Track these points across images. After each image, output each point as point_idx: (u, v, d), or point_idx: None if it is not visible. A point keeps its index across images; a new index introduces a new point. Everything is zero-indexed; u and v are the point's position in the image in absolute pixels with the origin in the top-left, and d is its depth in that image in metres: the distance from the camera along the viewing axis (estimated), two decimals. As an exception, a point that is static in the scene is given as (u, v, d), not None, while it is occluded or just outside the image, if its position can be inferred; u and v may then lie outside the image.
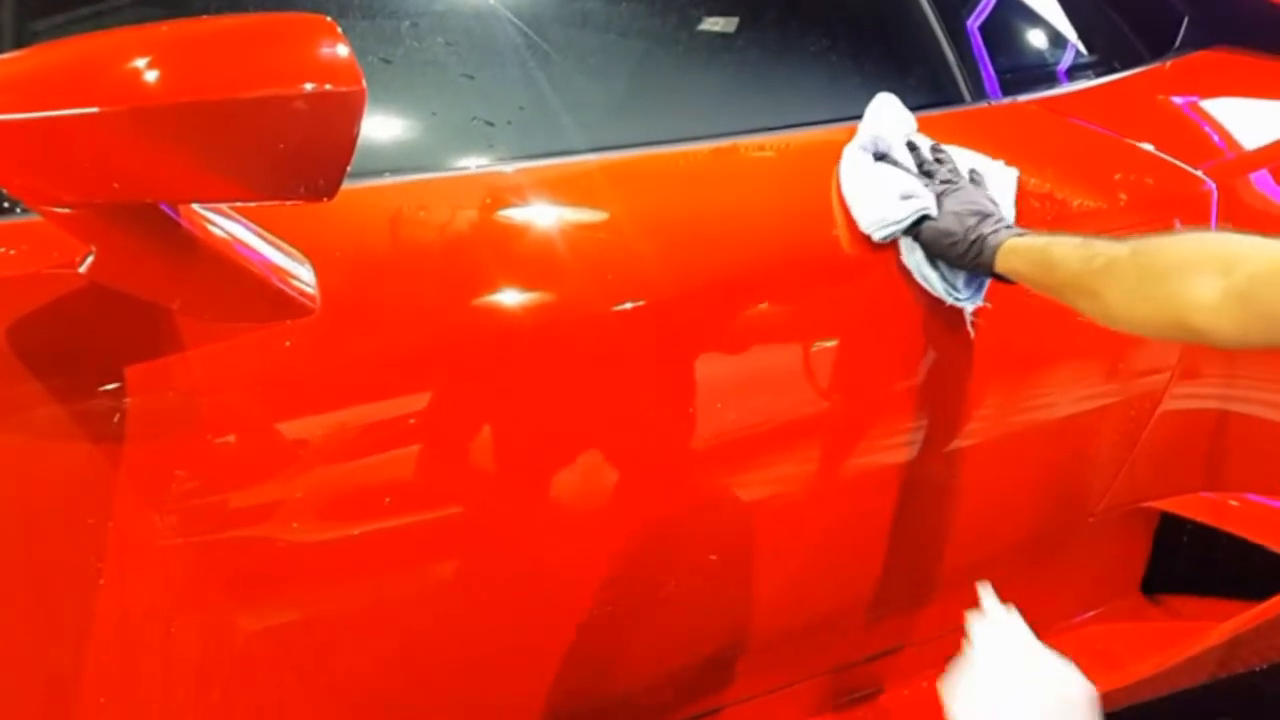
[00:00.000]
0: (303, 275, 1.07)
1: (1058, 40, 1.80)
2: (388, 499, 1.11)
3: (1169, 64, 1.82)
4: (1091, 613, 1.71)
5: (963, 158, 1.42)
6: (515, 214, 1.22)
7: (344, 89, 0.84)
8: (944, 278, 1.34)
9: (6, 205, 1.04)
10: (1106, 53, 1.81)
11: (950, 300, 1.35)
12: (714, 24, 1.52)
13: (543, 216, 1.23)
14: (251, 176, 0.86)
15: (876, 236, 1.33)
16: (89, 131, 0.82)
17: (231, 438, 1.05)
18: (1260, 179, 1.66)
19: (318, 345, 1.07)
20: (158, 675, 1.07)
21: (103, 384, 1.00)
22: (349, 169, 0.87)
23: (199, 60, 0.83)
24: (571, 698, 1.29)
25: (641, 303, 1.21)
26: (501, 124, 1.29)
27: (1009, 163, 1.44)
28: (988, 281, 1.36)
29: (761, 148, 1.40)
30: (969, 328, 1.39)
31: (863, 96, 1.43)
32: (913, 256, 1.34)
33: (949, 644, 1.44)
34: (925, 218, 1.32)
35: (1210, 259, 1.03)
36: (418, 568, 1.16)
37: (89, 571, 1.01)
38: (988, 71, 1.63)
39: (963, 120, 1.57)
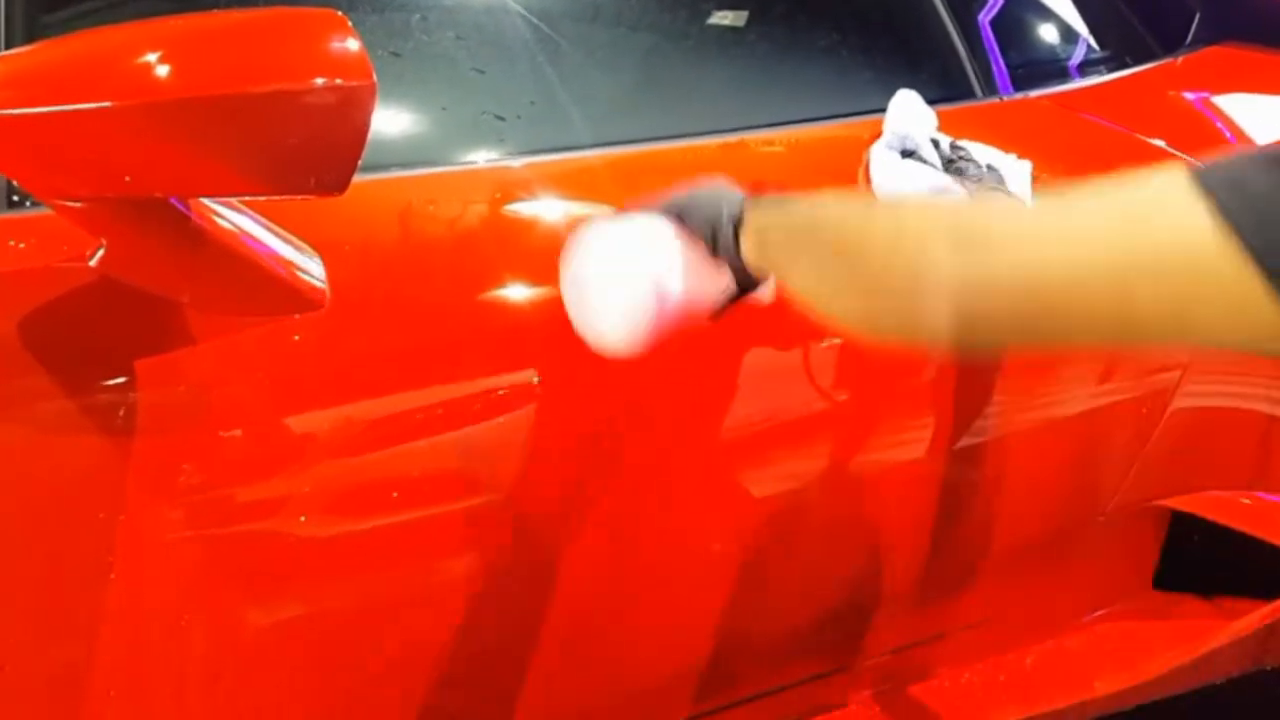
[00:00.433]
0: (312, 269, 1.07)
1: (1069, 35, 1.80)
2: (395, 494, 1.11)
3: (1180, 60, 1.81)
4: (1102, 611, 1.71)
5: (977, 152, 1.42)
6: (525, 208, 1.22)
7: (355, 83, 0.84)
8: None
9: (17, 199, 1.04)
10: (1118, 48, 1.80)
11: None
12: (723, 18, 1.52)
13: (552, 211, 1.23)
14: (262, 171, 0.86)
15: None
16: (100, 126, 0.82)
17: (241, 432, 1.05)
18: (1273, 175, 1.65)
19: (327, 339, 1.07)
20: (167, 670, 1.07)
21: (113, 378, 1.00)
22: (359, 163, 0.87)
23: (210, 55, 0.83)
24: (587, 694, 1.29)
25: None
26: (511, 118, 1.29)
27: (1021, 156, 1.43)
28: None
29: (771, 143, 1.39)
30: None
31: (873, 91, 1.42)
32: None
33: (964, 640, 1.44)
34: None
35: None
36: (426, 563, 1.16)
37: (98, 565, 1.01)
38: (999, 66, 1.63)
39: (974, 115, 1.56)
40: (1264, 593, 1.66)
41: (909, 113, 1.41)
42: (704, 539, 1.30)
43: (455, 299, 1.14)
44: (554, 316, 1.17)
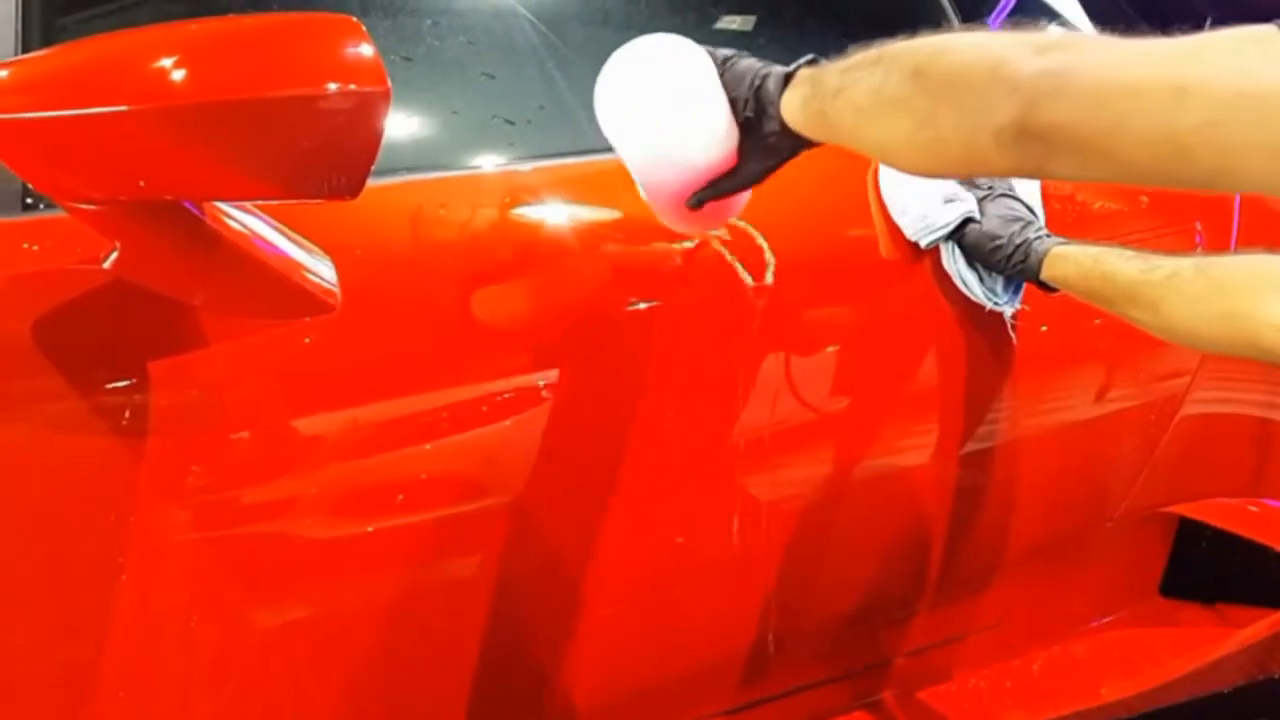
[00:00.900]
0: (324, 272, 1.07)
1: (1079, 41, 1.80)
2: (403, 496, 1.12)
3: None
4: (1110, 617, 1.70)
5: None
6: (534, 213, 1.23)
7: (369, 89, 0.85)
8: (982, 281, 1.34)
9: (31, 201, 1.04)
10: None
11: (990, 304, 1.35)
12: (731, 22, 1.52)
13: (561, 215, 1.23)
14: (276, 175, 0.87)
15: (924, 242, 1.33)
16: (116, 129, 0.83)
17: (251, 434, 1.06)
18: (1282, 182, 1.65)
19: (338, 342, 1.08)
20: (175, 670, 1.07)
21: (125, 379, 1.00)
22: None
23: (225, 60, 0.84)
24: (592, 694, 1.29)
25: (658, 303, 1.21)
26: (521, 123, 1.29)
27: None
28: (1024, 286, 1.37)
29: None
30: (1010, 331, 1.40)
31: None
32: (953, 261, 1.34)
33: (971, 646, 1.44)
34: (968, 221, 1.32)
35: None
36: (435, 565, 1.16)
37: (108, 566, 1.02)
38: (1008, 72, 1.62)
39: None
40: (1271, 600, 1.66)
41: None
42: (710, 543, 1.30)
43: (465, 302, 1.15)
44: (563, 319, 1.17)
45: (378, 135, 0.87)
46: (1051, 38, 0.78)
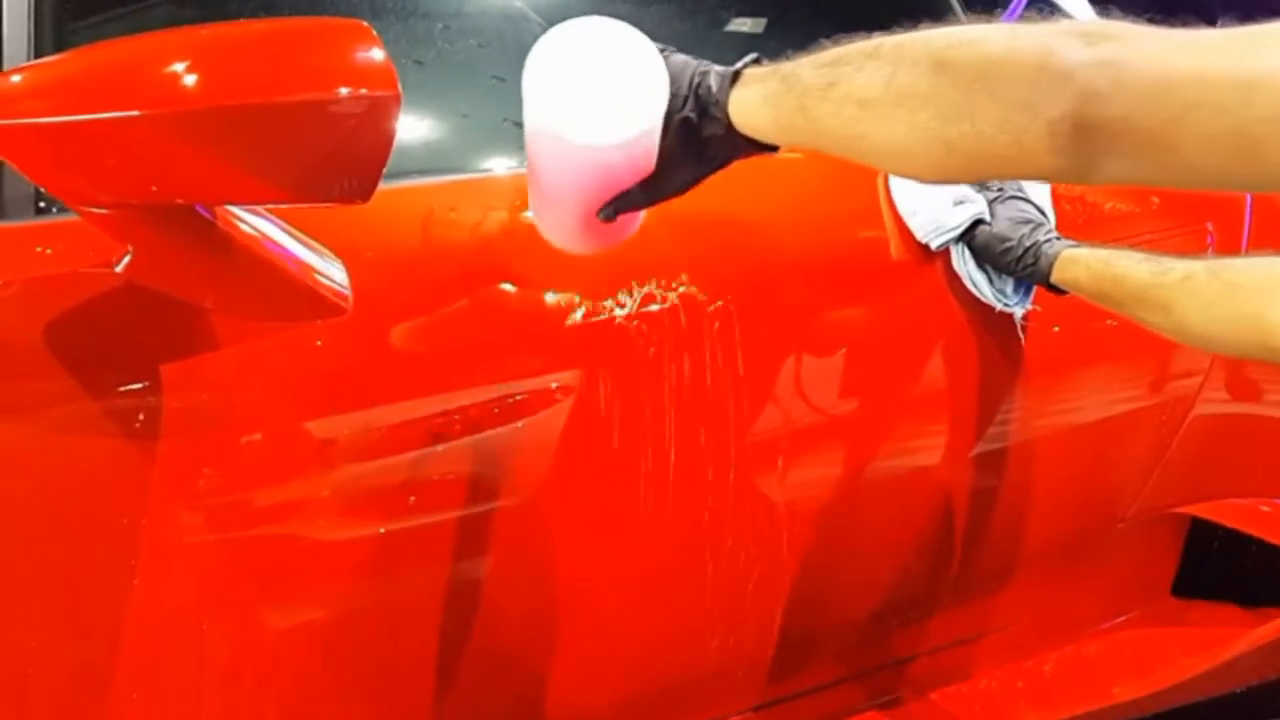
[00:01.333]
0: (335, 275, 1.07)
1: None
2: (413, 498, 1.12)
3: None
4: (1122, 617, 1.70)
5: None
6: (546, 215, 1.23)
7: (380, 93, 0.85)
8: (992, 283, 1.34)
9: (44, 205, 1.05)
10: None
11: (1000, 306, 1.35)
12: (742, 24, 1.52)
13: (573, 218, 1.23)
14: (288, 179, 0.87)
15: (935, 244, 1.33)
16: (128, 134, 0.83)
17: (263, 436, 1.06)
18: (1294, 182, 1.65)
19: (349, 344, 1.08)
20: (187, 671, 1.08)
21: (137, 382, 1.01)
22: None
23: (237, 64, 0.84)
24: (606, 695, 1.29)
25: (671, 305, 1.21)
26: (532, 126, 1.29)
27: None
28: (1034, 288, 1.36)
29: (790, 149, 1.39)
30: (1019, 333, 1.39)
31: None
32: (963, 263, 1.34)
33: (984, 646, 1.44)
34: (978, 223, 1.32)
35: None
36: (446, 566, 1.16)
37: (121, 568, 1.02)
38: (1019, 73, 1.62)
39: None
40: (1284, 601, 1.66)
41: None
42: (720, 543, 1.30)
43: (476, 305, 1.15)
44: (573, 322, 1.18)
45: (389, 139, 0.87)
46: (1097, 27, 0.72)
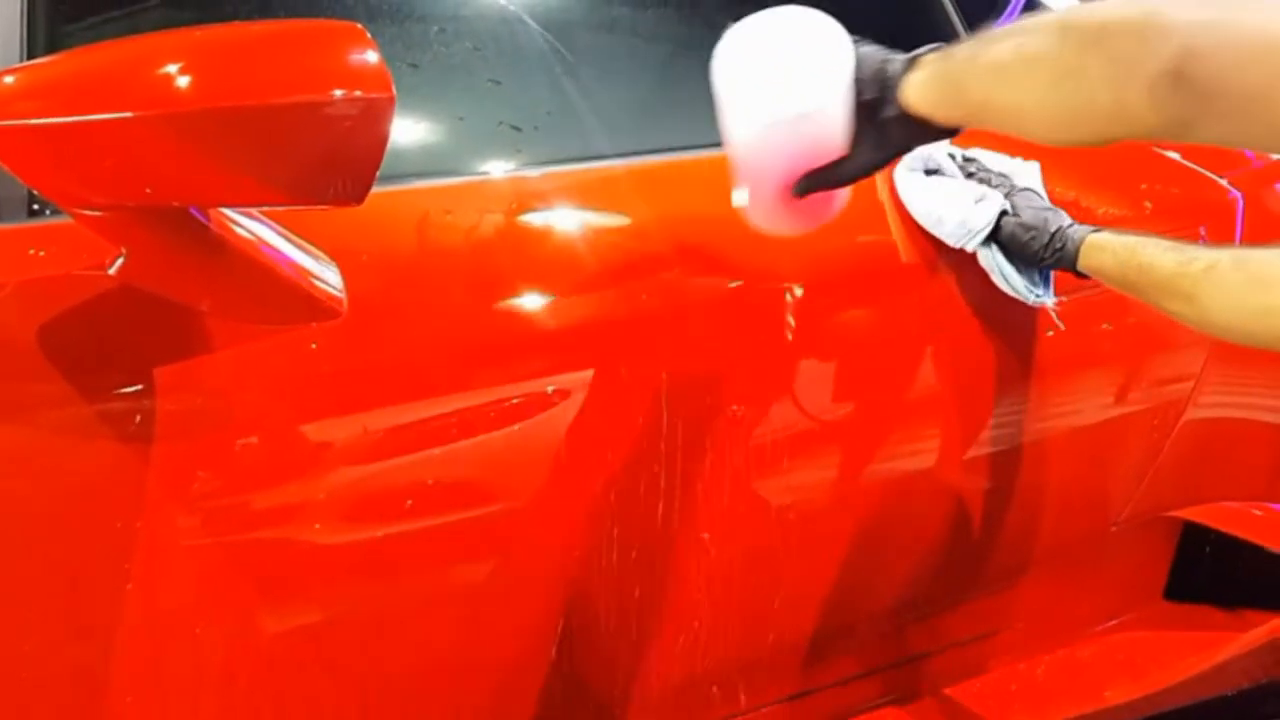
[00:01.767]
0: (329, 278, 1.07)
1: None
2: (410, 501, 1.12)
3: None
4: (1114, 621, 1.70)
5: (988, 160, 1.42)
6: (541, 219, 1.23)
7: (374, 95, 0.85)
8: (1022, 274, 1.34)
9: (37, 207, 1.05)
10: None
11: (1032, 299, 1.35)
12: (738, 29, 1.52)
13: (568, 221, 1.24)
14: (282, 181, 0.87)
15: (970, 246, 1.33)
16: (122, 136, 0.83)
17: (258, 439, 1.06)
18: (1286, 188, 1.66)
19: (344, 347, 1.08)
20: (184, 674, 1.08)
21: (131, 384, 1.01)
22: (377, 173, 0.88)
23: (231, 66, 0.84)
24: (611, 696, 1.29)
25: (666, 309, 1.21)
26: (528, 129, 1.30)
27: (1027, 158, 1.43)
28: (1054, 277, 1.37)
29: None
30: (1057, 321, 1.40)
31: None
32: (993, 258, 1.34)
33: (976, 650, 1.44)
34: (1002, 214, 1.32)
35: None
36: (442, 570, 1.16)
37: (116, 570, 1.02)
38: (1013, 77, 1.62)
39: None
40: (1276, 604, 1.66)
41: None
42: (719, 544, 1.30)
43: (471, 308, 1.15)
44: (570, 325, 1.18)
45: (383, 141, 0.87)
46: None
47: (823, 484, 1.35)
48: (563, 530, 1.20)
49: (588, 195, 1.26)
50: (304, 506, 1.08)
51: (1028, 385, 1.45)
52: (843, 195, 1.09)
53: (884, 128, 1.00)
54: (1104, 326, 1.47)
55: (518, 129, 1.29)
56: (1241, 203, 1.59)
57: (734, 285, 1.26)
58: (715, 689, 1.39)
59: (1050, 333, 1.44)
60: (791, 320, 1.30)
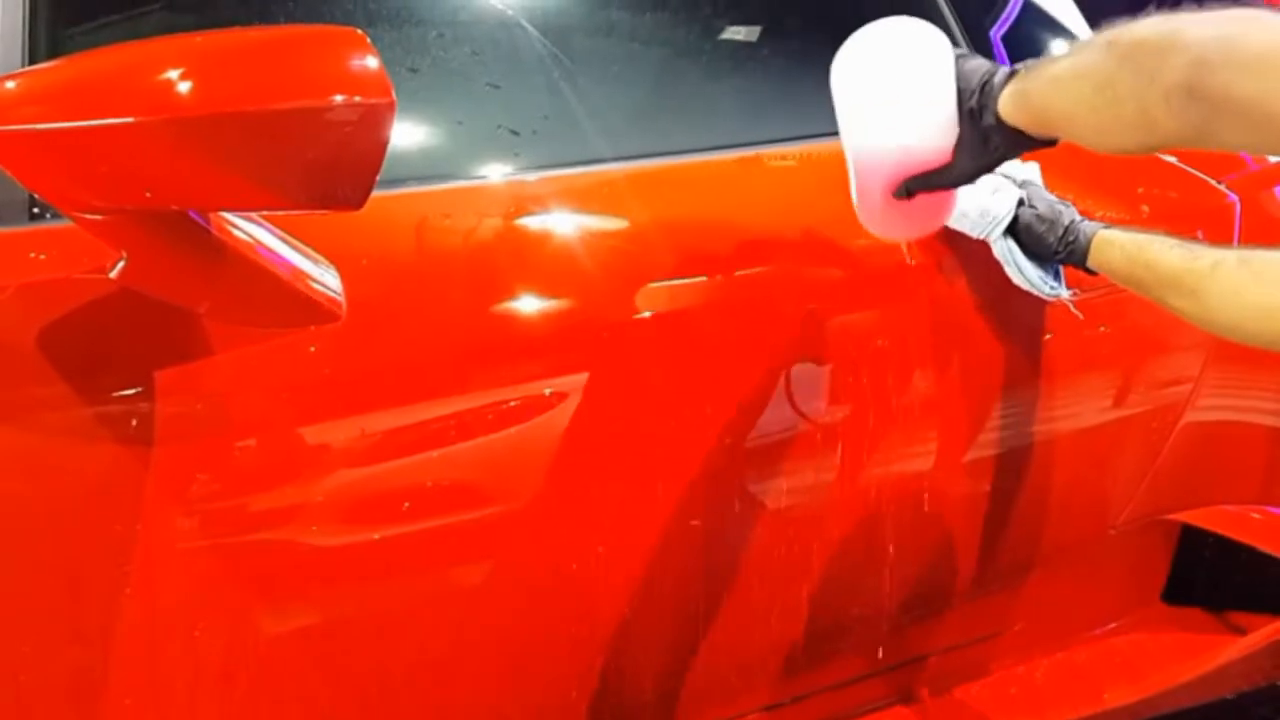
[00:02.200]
0: (329, 281, 1.08)
1: (1081, 50, 1.80)
2: (408, 504, 1.12)
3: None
4: (1113, 624, 1.70)
5: None
6: (539, 222, 1.23)
7: (374, 100, 0.85)
8: (1037, 266, 1.35)
9: (38, 211, 1.05)
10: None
11: (1047, 292, 1.35)
12: (736, 33, 1.53)
13: (567, 225, 1.24)
14: (282, 186, 0.88)
15: (992, 236, 1.33)
16: (123, 141, 0.83)
17: (257, 441, 1.06)
18: (1284, 192, 1.66)
19: (343, 350, 1.08)
20: (182, 676, 1.08)
21: (131, 387, 1.01)
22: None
23: (232, 71, 0.85)
24: (614, 698, 1.29)
25: (664, 312, 1.21)
26: (526, 133, 1.30)
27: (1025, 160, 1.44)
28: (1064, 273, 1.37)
29: (784, 157, 1.40)
30: (1074, 312, 1.41)
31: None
32: (1008, 251, 1.34)
33: (974, 653, 1.44)
34: (1019, 203, 1.33)
35: None
36: (440, 572, 1.17)
37: (115, 572, 1.02)
38: (1010, 81, 1.63)
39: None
40: (1274, 607, 1.66)
41: None
42: (719, 545, 1.31)
43: (470, 312, 1.15)
44: (568, 329, 1.18)
45: (382, 146, 0.87)
46: (1231, 11, 0.82)
47: (821, 486, 1.35)
48: (561, 532, 1.21)
49: (585, 199, 1.27)
50: (303, 509, 1.09)
51: (1026, 388, 1.46)
52: (952, 201, 1.18)
53: (987, 135, 1.08)
54: (1102, 329, 1.47)
55: (516, 133, 1.29)
56: (1239, 206, 1.59)
57: (734, 288, 1.26)
58: (715, 690, 1.40)
59: (1049, 336, 1.45)
60: (791, 322, 1.30)
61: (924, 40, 1.12)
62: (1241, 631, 1.64)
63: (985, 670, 1.60)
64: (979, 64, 1.10)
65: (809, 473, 1.34)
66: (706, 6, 1.50)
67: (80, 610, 1.03)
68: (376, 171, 0.88)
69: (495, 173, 1.27)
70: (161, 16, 1.29)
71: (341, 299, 1.07)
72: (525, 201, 1.24)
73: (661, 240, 1.26)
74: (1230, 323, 1.12)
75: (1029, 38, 1.75)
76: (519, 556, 1.19)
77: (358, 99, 0.85)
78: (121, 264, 0.97)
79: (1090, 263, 1.29)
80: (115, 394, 1.00)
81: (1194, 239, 1.20)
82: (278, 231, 1.06)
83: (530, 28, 1.36)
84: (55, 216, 1.04)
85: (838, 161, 1.22)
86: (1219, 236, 1.58)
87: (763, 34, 1.53)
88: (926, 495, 1.43)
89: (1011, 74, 1.06)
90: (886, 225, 1.20)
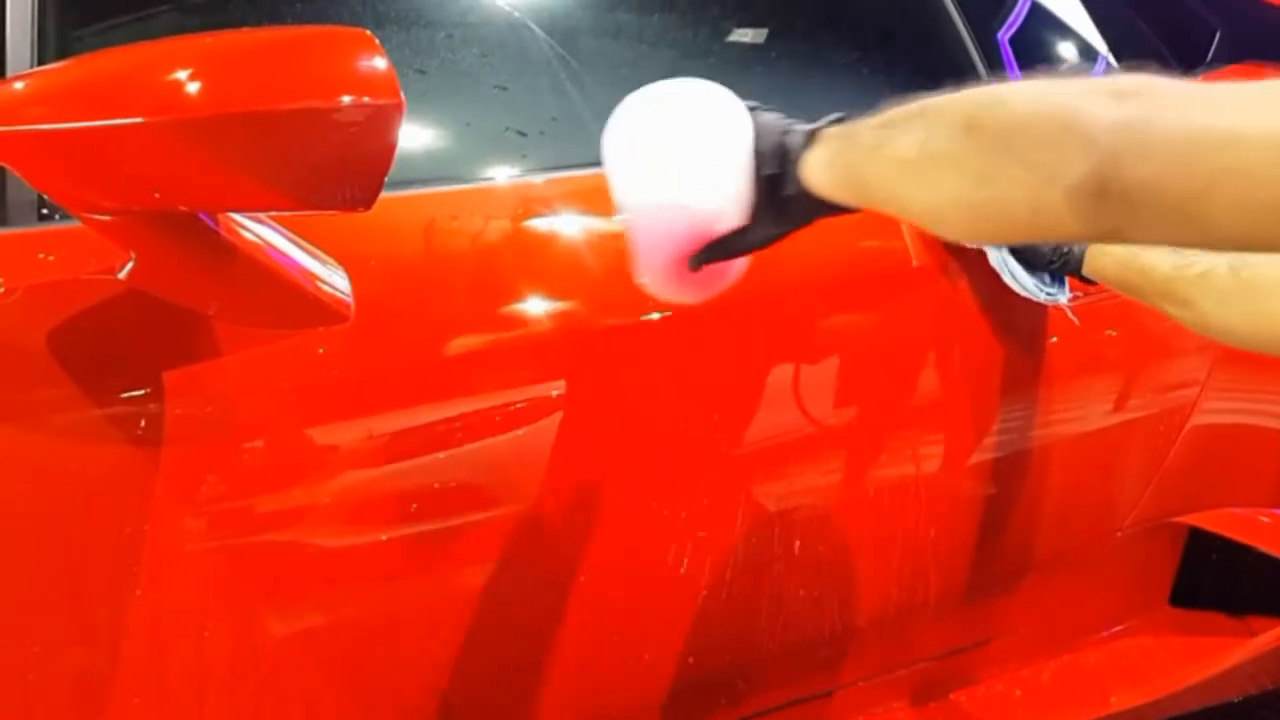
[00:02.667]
0: (337, 282, 1.08)
1: (1088, 53, 1.80)
2: (416, 505, 1.12)
3: (1200, 78, 1.81)
4: (1119, 627, 1.70)
5: None
6: (546, 224, 1.23)
7: (383, 102, 0.85)
8: (1031, 273, 1.35)
9: (46, 212, 1.05)
10: (1137, 66, 1.80)
11: (1042, 297, 1.36)
12: (744, 35, 1.53)
13: (574, 227, 1.24)
14: (290, 187, 0.88)
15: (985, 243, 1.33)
16: (131, 141, 0.83)
17: (265, 443, 1.06)
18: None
19: (351, 352, 1.08)
20: (190, 677, 1.08)
21: (140, 388, 1.01)
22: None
23: (240, 72, 0.84)
24: (614, 700, 1.29)
25: (670, 314, 1.21)
26: (534, 134, 1.30)
27: None
28: (1067, 279, 1.37)
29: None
30: (1072, 318, 1.40)
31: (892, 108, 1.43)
32: (1002, 258, 1.35)
33: (981, 655, 1.44)
34: None
35: None
36: (447, 574, 1.17)
37: (122, 574, 1.02)
38: (1018, 84, 1.63)
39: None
40: (1281, 610, 1.66)
41: None
42: (722, 547, 1.31)
43: (477, 313, 1.15)
44: (575, 330, 1.18)
45: (391, 147, 0.87)
46: (1128, 82, 0.69)
47: (826, 488, 1.35)
48: (569, 534, 1.21)
49: (593, 200, 1.26)
50: (310, 510, 1.09)
51: (1033, 391, 1.45)
52: (741, 263, 1.03)
53: (784, 204, 0.94)
54: (1108, 332, 1.47)
55: (523, 134, 1.29)
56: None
57: (739, 290, 1.26)
58: (718, 692, 1.40)
59: (1055, 339, 1.45)
60: (797, 325, 1.30)
61: (711, 100, 0.97)
62: (1248, 635, 1.64)
63: (992, 673, 1.60)
64: (772, 120, 0.95)
65: (814, 476, 1.34)
66: (714, 8, 1.50)
67: (88, 611, 1.03)
68: (385, 172, 0.88)
69: (503, 174, 1.28)
70: (170, 17, 1.29)
71: (350, 300, 1.07)
72: (532, 203, 1.24)
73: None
74: (1224, 329, 1.13)
75: (1037, 40, 1.75)
76: (527, 558, 1.19)
77: (366, 100, 0.85)
78: (130, 265, 0.97)
79: (1086, 271, 1.30)
80: (124, 395, 1.00)
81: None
82: (286, 232, 1.06)
83: (538, 30, 1.36)
84: (64, 217, 1.04)
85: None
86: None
87: (769, 36, 1.53)
88: (932, 498, 1.43)
89: (811, 135, 0.91)
90: (673, 291, 1.04)
